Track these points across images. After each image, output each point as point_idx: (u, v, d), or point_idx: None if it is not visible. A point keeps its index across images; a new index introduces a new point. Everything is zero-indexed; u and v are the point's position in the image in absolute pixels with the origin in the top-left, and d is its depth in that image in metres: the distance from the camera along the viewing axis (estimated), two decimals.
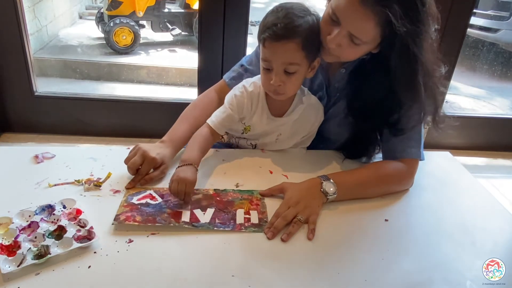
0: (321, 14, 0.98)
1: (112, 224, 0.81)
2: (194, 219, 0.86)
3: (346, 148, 1.13)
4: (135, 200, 0.90)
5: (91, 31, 3.85)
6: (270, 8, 0.98)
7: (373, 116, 1.02)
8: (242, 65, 1.19)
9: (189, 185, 0.89)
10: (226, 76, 1.21)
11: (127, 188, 0.94)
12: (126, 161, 0.97)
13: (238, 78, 1.16)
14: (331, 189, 0.92)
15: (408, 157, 1.03)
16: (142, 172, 0.96)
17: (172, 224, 0.83)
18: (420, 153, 1.04)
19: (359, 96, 1.03)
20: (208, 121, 1.05)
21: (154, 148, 0.99)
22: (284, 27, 0.91)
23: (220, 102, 1.13)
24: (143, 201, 0.90)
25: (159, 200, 0.91)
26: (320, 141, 1.18)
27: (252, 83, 1.06)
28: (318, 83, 1.12)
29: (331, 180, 0.93)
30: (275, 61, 0.95)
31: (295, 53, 0.93)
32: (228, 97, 1.07)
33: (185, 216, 0.86)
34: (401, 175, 1.02)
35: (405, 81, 0.94)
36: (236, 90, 1.07)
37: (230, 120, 1.06)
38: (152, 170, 0.98)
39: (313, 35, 0.94)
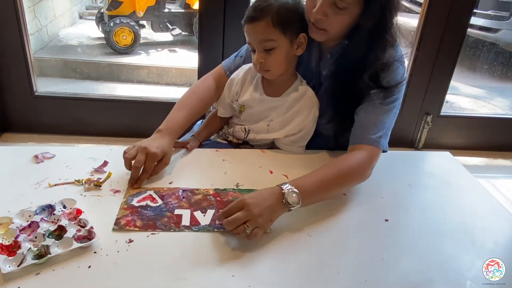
0: None
1: (113, 229, 0.81)
2: (194, 222, 0.86)
3: (336, 136, 1.12)
4: (135, 202, 0.90)
5: (91, 31, 3.85)
6: None
7: (355, 97, 1.04)
8: (241, 56, 1.22)
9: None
10: (226, 66, 1.23)
11: (135, 188, 0.94)
12: (128, 161, 0.96)
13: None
14: (294, 199, 0.84)
15: (368, 143, 1.00)
16: (147, 170, 0.96)
17: (172, 230, 0.83)
18: (381, 142, 1.01)
19: (343, 76, 1.05)
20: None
21: (153, 142, 0.99)
22: (254, 10, 1.01)
23: (217, 89, 1.20)
24: (143, 203, 0.90)
25: (159, 202, 0.91)
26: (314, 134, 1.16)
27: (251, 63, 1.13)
28: (310, 73, 1.14)
29: (294, 189, 0.85)
30: (253, 41, 1.04)
31: (267, 30, 1.00)
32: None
33: (185, 220, 0.86)
34: (361, 168, 0.98)
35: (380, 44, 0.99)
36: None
37: (223, 100, 1.17)
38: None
39: (286, 11, 1.00)
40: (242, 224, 0.79)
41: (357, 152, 1.00)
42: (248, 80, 1.14)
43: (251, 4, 1.04)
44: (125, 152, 0.98)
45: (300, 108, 1.10)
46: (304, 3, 1.03)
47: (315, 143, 1.17)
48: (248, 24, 1.03)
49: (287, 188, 0.85)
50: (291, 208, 0.85)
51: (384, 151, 1.03)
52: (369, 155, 0.99)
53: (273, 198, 0.84)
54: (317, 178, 0.92)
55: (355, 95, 1.04)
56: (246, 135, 1.16)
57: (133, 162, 0.95)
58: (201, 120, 1.30)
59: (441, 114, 2.46)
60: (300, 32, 1.03)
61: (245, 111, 1.14)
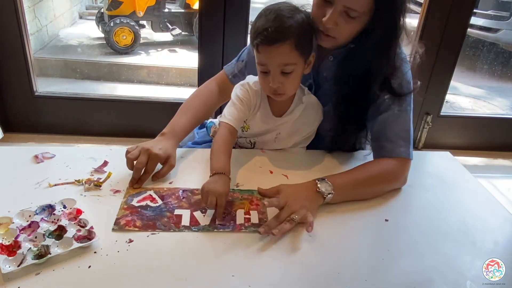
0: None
1: (113, 229, 0.81)
2: (194, 222, 0.85)
3: (336, 138, 1.12)
4: (135, 202, 0.90)
5: (91, 31, 3.85)
6: None
7: (360, 102, 1.03)
8: (242, 60, 1.20)
9: (220, 197, 0.86)
10: (228, 71, 1.22)
11: (135, 188, 0.94)
12: (130, 161, 0.96)
13: (240, 75, 1.18)
14: (328, 188, 0.91)
15: (398, 156, 1.02)
16: (149, 171, 0.96)
17: (172, 230, 0.83)
18: (410, 152, 1.03)
19: (348, 81, 1.03)
20: (224, 120, 1.02)
21: (156, 144, 0.99)
22: (275, 31, 0.91)
23: (220, 94, 1.17)
24: (143, 203, 0.90)
25: (159, 202, 0.90)
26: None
27: (255, 82, 1.07)
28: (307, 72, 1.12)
29: (327, 181, 0.92)
30: (271, 64, 0.95)
31: (290, 54, 0.94)
32: (235, 94, 1.06)
33: (185, 220, 0.86)
34: (394, 174, 1.01)
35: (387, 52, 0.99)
36: (243, 87, 1.07)
37: (243, 115, 1.05)
38: (159, 166, 0.98)
39: (305, 33, 0.95)
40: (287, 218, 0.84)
41: (388, 161, 1.02)
42: (258, 101, 1.07)
43: (263, 23, 0.94)
44: (127, 152, 0.97)
45: (307, 117, 1.10)
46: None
47: (313, 143, 1.17)
48: (267, 47, 0.93)
49: (320, 179, 0.93)
50: (325, 197, 0.90)
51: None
52: (400, 165, 1.02)
53: (307, 189, 0.91)
54: (349, 175, 0.98)
55: (363, 101, 1.03)
56: (252, 146, 1.16)
57: (135, 162, 0.95)
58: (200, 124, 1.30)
59: (441, 114, 2.46)
60: (311, 51, 0.99)
61: (250, 129, 1.11)
